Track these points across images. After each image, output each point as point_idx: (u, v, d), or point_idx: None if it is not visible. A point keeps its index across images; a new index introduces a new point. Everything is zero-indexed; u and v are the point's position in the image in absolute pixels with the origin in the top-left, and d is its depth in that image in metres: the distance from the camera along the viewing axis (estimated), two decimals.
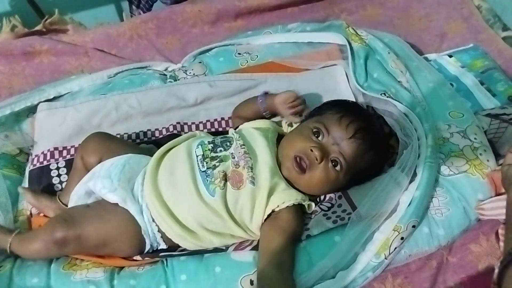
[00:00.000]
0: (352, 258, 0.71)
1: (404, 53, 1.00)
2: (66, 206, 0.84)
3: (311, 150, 0.75)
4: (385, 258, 0.70)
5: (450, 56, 1.07)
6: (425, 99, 0.87)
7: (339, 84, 0.99)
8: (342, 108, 0.81)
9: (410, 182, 0.76)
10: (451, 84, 0.97)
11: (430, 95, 0.88)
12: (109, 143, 0.84)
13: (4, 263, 0.77)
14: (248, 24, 1.26)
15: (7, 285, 0.73)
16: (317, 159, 0.74)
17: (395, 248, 0.70)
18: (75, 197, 0.81)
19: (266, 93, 0.91)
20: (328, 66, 1.02)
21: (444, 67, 1.05)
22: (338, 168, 0.75)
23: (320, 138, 0.77)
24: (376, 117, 0.90)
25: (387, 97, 0.88)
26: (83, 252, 0.76)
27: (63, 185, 0.89)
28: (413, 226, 0.72)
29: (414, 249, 0.73)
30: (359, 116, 0.79)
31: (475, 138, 0.80)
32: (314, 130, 0.78)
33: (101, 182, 0.77)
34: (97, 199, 0.80)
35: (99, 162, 0.82)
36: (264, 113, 0.91)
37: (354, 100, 0.95)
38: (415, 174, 0.76)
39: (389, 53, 0.97)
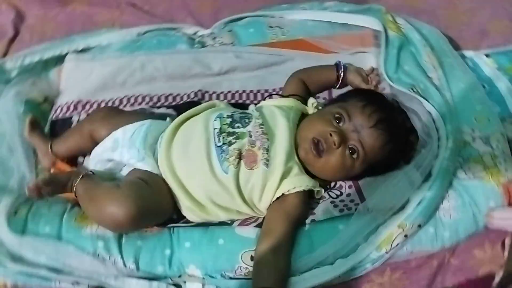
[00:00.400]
0: (353, 248, 0.72)
1: (440, 48, 0.96)
2: (55, 155, 0.86)
3: (330, 135, 0.74)
4: (386, 252, 0.71)
5: (488, 56, 1.03)
6: (453, 99, 0.85)
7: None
8: (367, 97, 0.80)
9: (424, 181, 0.75)
10: (483, 86, 0.94)
11: (459, 96, 0.85)
12: (119, 117, 0.85)
13: (20, 207, 0.80)
14: None
15: (21, 230, 0.77)
16: (335, 144, 0.74)
17: (397, 244, 0.71)
18: (97, 158, 0.83)
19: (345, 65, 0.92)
20: (359, 53, 0.99)
21: (479, 66, 1.01)
22: (355, 156, 0.75)
23: (341, 124, 0.76)
24: (400, 111, 0.88)
25: (415, 92, 0.86)
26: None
27: None
28: (419, 226, 0.72)
29: (417, 247, 0.73)
30: (383, 107, 0.78)
31: (497, 146, 0.78)
32: (336, 115, 0.77)
33: (128, 152, 0.78)
34: (117, 164, 0.81)
35: (109, 135, 0.82)
36: (338, 82, 0.90)
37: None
38: (429, 174, 0.76)
39: (425, 46, 0.94)
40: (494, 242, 0.75)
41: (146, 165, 0.77)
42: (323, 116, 0.79)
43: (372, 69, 0.90)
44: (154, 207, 0.73)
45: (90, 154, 0.85)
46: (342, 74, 0.89)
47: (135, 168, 0.79)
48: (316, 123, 0.78)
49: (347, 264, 0.70)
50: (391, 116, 0.78)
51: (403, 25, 1.00)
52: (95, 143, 0.84)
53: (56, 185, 0.76)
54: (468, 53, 1.05)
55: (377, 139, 0.75)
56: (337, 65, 0.91)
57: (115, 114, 0.86)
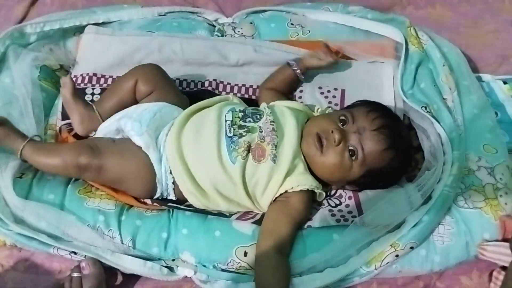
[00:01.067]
0: (344, 259, 0.73)
1: (459, 69, 0.95)
2: (100, 116, 0.86)
3: (332, 132, 0.77)
4: (375, 269, 0.72)
5: (505, 82, 1.02)
6: (464, 124, 0.85)
7: (383, 83, 0.96)
8: (374, 105, 0.83)
9: (423, 203, 0.76)
10: (496, 113, 0.94)
11: (470, 122, 0.85)
12: (164, 80, 0.88)
13: (26, 171, 0.82)
14: None
15: (26, 194, 0.79)
16: (335, 141, 0.76)
17: (387, 262, 0.72)
18: (104, 130, 0.84)
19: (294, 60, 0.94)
20: (377, 62, 0.99)
21: (494, 92, 1.00)
22: (354, 157, 0.76)
23: (345, 126, 0.79)
24: (409, 128, 0.89)
25: (427, 111, 0.86)
26: (98, 182, 0.81)
27: None
28: (411, 247, 0.73)
29: (406, 267, 0.74)
30: (387, 115, 0.81)
31: (500, 178, 0.78)
32: (341, 117, 0.79)
33: (131, 123, 0.80)
34: (124, 137, 0.83)
35: (150, 94, 0.85)
36: (298, 73, 0.92)
37: (393, 104, 0.93)
38: (429, 198, 0.76)
39: (443, 65, 0.93)
40: (482, 271, 0.76)
41: (142, 142, 0.78)
42: (329, 116, 0.83)
43: (324, 45, 0.92)
44: (111, 164, 0.76)
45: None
46: (296, 67, 0.92)
47: (128, 138, 0.80)
48: (321, 120, 0.82)
49: (336, 274, 0.72)
50: (395, 125, 0.80)
51: (425, 41, 0.99)
52: (135, 100, 0.87)
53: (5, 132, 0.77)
54: (486, 77, 1.04)
55: (378, 143, 0.76)
56: (289, 63, 0.93)
57: (161, 75, 0.88)
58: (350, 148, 0.76)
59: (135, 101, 0.88)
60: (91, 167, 0.76)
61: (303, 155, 0.79)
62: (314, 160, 0.78)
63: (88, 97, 0.94)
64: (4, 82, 0.92)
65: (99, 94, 0.94)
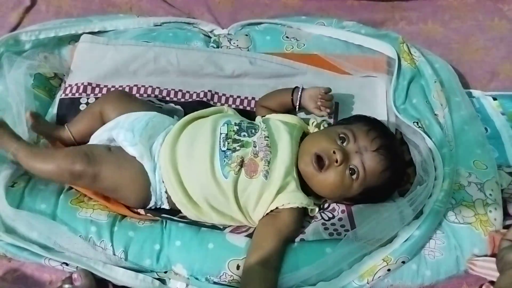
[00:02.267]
0: (336, 273, 0.74)
1: (450, 85, 0.97)
2: (73, 137, 0.87)
3: (334, 152, 0.76)
4: (367, 283, 0.73)
5: (495, 98, 1.04)
6: (455, 140, 0.86)
7: (376, 98, 0.97)
8: (371, 123, 0.82)
9: (414, 218, 0.77)
10: (486, 129, 0.96)
11: (461, 138, 0.87)
12: (131, 103, 0.87)
13: (18, 180, 0.82)
14: (304, 5, 1.25)
15: (18, 203, 0.78)
16: (337, 161, 0.75)
17: (380, 276, 0.73)
18: (96, 140, 0.84)
19: (303, 88, 0.91)
20: (370, 76, 1.00)
21: (484, 108, 1.02)
22: (354, 176, 0.76)
23: (345, 144, 0.78)
24: (401, 142, 0.90)
25: (419, 127, 0.88)
26: (92, 189, 0.80)
27: None
28: (403, 262, 0.74)
29: (397, 281, 0.75)
30: (385, 134, 0.81)
31: (490, 194, 0.80)
32: (341, 135, 0.79)
33: (124, 134, 0.80)
34: (115, 145, 0.83)
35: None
36: (296, 105, 0.90)
37: (386, 119, 0.94)
38: (421, 212, 0.77)
39: (435, 82, 0.95)
40: (471, 285, 0.77)
41: (136, 152, 0.79)
42: (328, 134, 0.81)
43: (327, 91, 0.88)
44: (107, 173, 0.76)
45: None
46: (297, 98, 0.89)
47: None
48: (320, 139, 0.80)
49: None
50: (392, 144, 0.80)
51: (417, 57, 1.00)
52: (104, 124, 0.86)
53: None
54: (476, 93, 1.06)
55: (378, 164, 0.76)
56: (294, 90, 0.90)
57: (127, 99, 0.88)
58: (351, 167, 0.76)
59: None
60: (86, 175, 0.76)
61: (298, 172, 0.79)
62: (312, 179, 0.78)
63: (82, 107, 0.93)
64: None
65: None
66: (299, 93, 0.90)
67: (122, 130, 0.80)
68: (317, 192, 0.80)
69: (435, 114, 0.91)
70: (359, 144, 0.77)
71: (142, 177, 0.78)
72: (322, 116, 0.89)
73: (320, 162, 0.76)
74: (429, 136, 0.86)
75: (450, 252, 0.76)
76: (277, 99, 0.92)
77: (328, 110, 0.88)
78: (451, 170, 0.81)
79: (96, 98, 0.94)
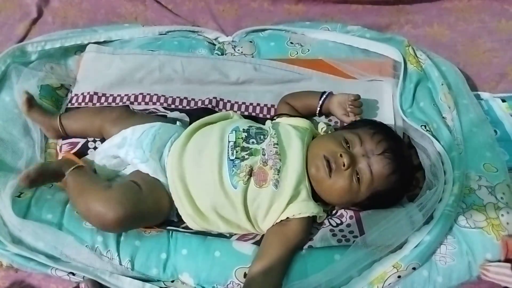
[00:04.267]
0: (346, 280, 0.72)
1: (457, 87, 0.96)
2: (62, 127, 0.88)
3: (341, 156, 0.75)
4: None
5: (504, 100, 1.02)
6: (464, 143, 0.85)
7: (382, 102, 0.96)
8: (377, 126, 0.82)
9: (425, 223, 0.75)
10: (495, 131, 0.94)
11: (470, 141, 0.85)
12: (130, 121, 0.85)
13: (25, 190, 0.82)
14: (308, 11, 1.24)
15: (24, 213, 0.78)
16: (344, 165, 0.74)
17: (390, 283, 0.71)
18: (103, 154, 0.84)
19: (330, 93, 0.91)
20: (376, 80, 0.99)
21: (493, 110, 1.01)
22: (361, 181, 0.75)
23: (351, 148, 0.77)
24: (409, 146, 0.89)
25: (427, 130, 0.87)
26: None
27: None
28: (413, 268, 0.72)
29: None
30: (391, 137, 0.80)
31: (501, 198, 0.78)
32: (348, 139, 0.78)
33: (134, 152, 0.79)
34: (122, 161, 0.82)
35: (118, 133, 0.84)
36: (318, 110, 0.90)
37: (393, 123, 0.93)
38: (431, 217, 0.76)
39: (442, 84, 0.93)
40: None
41: (148, 168, 0.78)
42: (335, 137, 0.80)
43: (357, 97, 0.87)
44: (143, 211, 0.74)
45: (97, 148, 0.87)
46: (321, 103, 0.89)
47: (136, 170, 0.80)
48: (327, 142, 0.79)
49: None
50: (398, 147, 0.79)
51: (423, 60, 0.99)
52: (103, 137, 0.87)
53: (46, 174, 0.78)
54: (484, 95, 1.04)
55: (384, 167, 0.75)
56: (322, 94, 0.90)
57: (128, 116, 0.87)
58: (358, 171, 0.75)
59: (102, 138, 0.88)
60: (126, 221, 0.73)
61: (308, 179, 0.77)
62: (322, 185, 0.77)
63: None
64: (4, 101, 0.92)
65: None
66: (324, 98, 0.89)
67: (131, 148, 0.80)
68: (325, 198, 0.79)
69: (443, 117, 0.90)
70: (365, 147, 0.76)
71: (165, 194, 0.78)
72: (346, 123, 0.89)
73: (329, 166, 0.75)
74: (437, 140, 0.85)
75: (462, 257, 0.74)
76: (304, 100, 0.92)
77: (358, 117, 0.87)
78: (460, 173, 0.80)
79: (104, 107, 0.94)
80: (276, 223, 0.76)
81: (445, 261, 0.74)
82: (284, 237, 0.74)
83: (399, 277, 0.72)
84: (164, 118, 0.91)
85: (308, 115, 0.92)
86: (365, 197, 0.77)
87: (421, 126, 0.88)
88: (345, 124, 0.90)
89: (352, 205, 0.80)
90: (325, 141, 0.81)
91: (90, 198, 0.73)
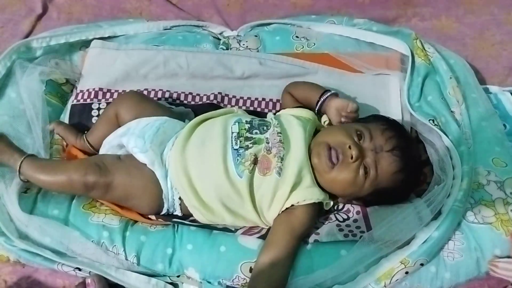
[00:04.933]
0: (352, 276, 0.72)
1: (466, 81, 0.95)
2: (90, 145, 0.87)
3: (349, 147, 0.74)
4: (384, 286, 0.71)
5: None
6: (473, 137, 0.84)
7: (390, 96, 0.95)
8: (387, 123, 0.81)
9: (433, 219, 0.75)
10: (504, 125, 0.93)
11: (479, 135, 0.84)
12: (145, 105, 0.86)
13: (31, 186, 0.82)
14: (314, 5, 1.23)
15: (30, 209, 0.79)
16: (352, 157, 0.74)
17: (397, 279, 0.71)
18: (107, 146, 0.84)
19: (334, 93, 0.87)
20: (383, 74, 0.98)
21: (502, 103, 1.00)
22: (367, 175, 0.75)
23: (361, 141, 0.76)
24: (417, 141, 0.88)
25: (435, 125, 0.86)
26: (104, 199, 0.80)
27: None
28: (421, 264, 0.72)
29: (415, 284, 0.73)
30: (401, 134, 0.79)
31: (511, 193, 0.77)
32: (358, 132, 0.77)
33: (134, 141, 0.79)
34: (127, 152, 0.82)
35: (133, 119, 0.83)
36: (316, 107, 0.88)
37: (400, 117, 0.92)
38: (439, 213, 0.75)
39: (450, 78, 0.92)
40: None
41: (146, 159, 0.78)
42: (346, 129, 0.78)
43: (356, 110, 0.83)
44: (118, 180, 0.76)
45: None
46: (320, 103, 0.86)
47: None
48: (337, 133, 0.78)
49: None
50: (408, 146, 0.78)
51: (431, 53, 0.98)
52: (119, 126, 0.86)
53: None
54: (493, 88, 1.03)
55: (391, 165, 0.75)
56: (323, 93, 0.86)
57: (141, 101, 0.87)
58: (365, 165, 0.75)
59: None
60: (98, 185, 0.75)
61: (311, 166, 0.77)
62: (323, 173, 0.76)
63: (94, 112, 0.94)
64: (10, 97, 0.92)
65: (105, 108, 0.94)
66: (324, 99, 0.85)
67: (132, 137, 0.80)
68: (327, 187, 0.78)
69: (452, 111, 0.89)
70: (375, 142, 0.76)
71: (154, 185, 0.78)
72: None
73: (332, 157, 0.75)
74: (445, 134, 0.84)
75: (470, 253, 0.73)
76: (305, 93, 0.89)
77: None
78: (469, 168, 0.79)
79: (108, 103, 0.94)
80: (282, 212, 0.76)
81: (453, 257, 0.73)
82: (290, 225, 0.73)
83: (406, 273, 0.71)
84: (172, 114, 0.90)
85: (308, 108, 0.91)
86: (369, 192, 0.76)
87: (429, 120, 0.87)
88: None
89: (354, 198, 0.79)
90: (335, 131, 0.80)
91: (69, 168, 0.77)
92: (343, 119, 0.84)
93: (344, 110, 0.83)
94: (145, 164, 0.78)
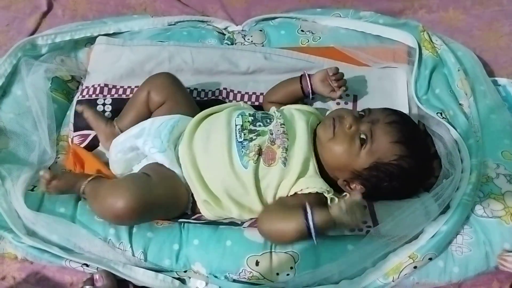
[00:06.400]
0: (360, 271, 0.72)
1: (474, 73, 0.93)
2: (121, 131, 0.86)
3: (345, 117, 0.77)
4: (392, 281, 0.71)
5: None
6: (481, 130, 0.83)
7: (396, 89, 0.94)
8: (394, 110, 0.82)
9: (441, 213, 0.74)
10: None
11: (487, 128, 0.83)
12: (176, 89, 0.87)
13: (38, 184, 0.81)
14: None
15: (37, 206, 0.79)
16: (346, 126, 0.76)
17: (405, 274, 0.70)
18: (119, 147, 0.83)
19: (309, 74, 0.90)
20: (389, 67, 0.97)
21: (511, 96, 0.98)
22: (363, 146, 0.75)
23: (362, 119, 0.78)
24: (425, 134, 0.87)
25: (443, 118, 0.85)
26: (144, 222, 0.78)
27: None
28: (430, 259, 0.71)
29: (423, 279, 0.72)
30: (403, 117, 0.81)
31: None
32: (360, 112, 0.80)
33: (152, 141, 0.79)
34: (138, 155, 0.82)
35: (162, 104, 0.85)
36: (307, 92, 0.89)
37: (407, 110, 0.91)
38: (447, 207, 0.74)
39: (458, 70, 0.91)
40: (502, 282, 0.73)
41: (165, 158, 0.78)
42: (348, 109, 0.84)
43: (336, 71, 0.86)
44: (155, 199, 0.72)
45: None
46: (307, 85, 0.88)
47: (149, 163, 0.80)
48: (340, 110, 0.84)
49: (352, 286, 0.70)
50: (410, 125, 0.79)
51: (439, 45, 0.97)
52: (150, 111, 0.87)
53: (65, 183, 0.78)
54: (502, 81, 1.01)
55: (387, 134, 0.75)
56: (301, 77, 0.89)
57: (173, 83, 0.88)
58: (361, 136, 0.75)
59: (151, 112, 0.88)
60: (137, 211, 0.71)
61: (316, 158, 0.78)
62: (325, 145, 0.77)
63: (99, 108, 0.94)
64: (16, 94, 0.93)
65: (110, 104, 0.94)
66: (308, 80, 0.88)
67: (149, 138, 0.79)
68: (327, 164, 0.78)
69: (460, 104, 0.88)
70: (372, 116, 0.78)
71: (181, 186, 0.78)
72: (340, 98, 0.90)
73: (333, 125, 0.77)
74: (454, 127, 0.83)
75: (479, 247, 0.72)
76: (284, 91, 0.91)
77: (344, 88, 0.87)
78: (478, 161, 0.78)
79: (113, 99, 0.94)
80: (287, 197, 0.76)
81: (461, 251, 0.72)
82: (297, 200, 0.74)
83: (415, 267, 0.71)
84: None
85: (298, 101, 0.91)
86: (365, 165, 0.75)
87: (437, 113, 0.86)
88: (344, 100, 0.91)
89: (352, 174, 0.77)
90: (339, 109, 0.84)
91: (103, 194, 0.73)
92: (334, 84, 0.86)
93: (327, 77, 0.86)
94: (168, 169, 0.78)
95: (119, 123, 0.87)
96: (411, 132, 0.78)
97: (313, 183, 0.76)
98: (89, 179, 0.78)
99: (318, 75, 0.88)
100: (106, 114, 0.93)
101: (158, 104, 0.86)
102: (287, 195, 0.76)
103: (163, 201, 0.75)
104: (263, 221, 0.74)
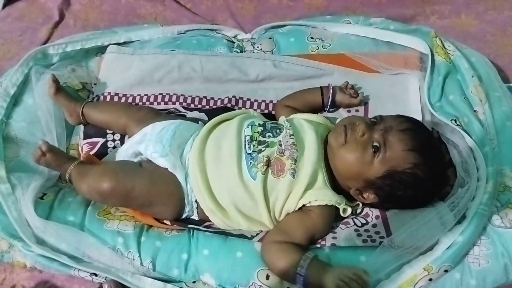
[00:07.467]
0: (373, 283, 0.69)
1: (488, 79, 0.91)
2: (83, 117, 0.91)
3: (358, 124, 0.75)
4: None
5: None
6: (497, 137, 0.80)
7: (409, 96, 0.93)
8: (407, 117, 0.80)
9: (457, 223, 0.72)
10: None
11: (503, 135, 0.81)
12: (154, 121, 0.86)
13: (48, 191, 0.82)
14: (329, 5, 1.22)
15: (47, 214, 0.79)
16: (359, 133, 0.74)
17: (420, 286, 0.68)
18: (123, 154, 0.84)
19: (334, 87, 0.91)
20: (401, 74, 0.96)
21: None
22: (376, 154, 0.73)
23: (375, 126, 0.77)
24: (440, 142, 0.85)
25: (457, 125, 0.83)
26: (126, 207, 0.80)
27: (115, 135, 0.93)
28: (445, 271, 0.69)
29: None
30: (417, 124, 0.79)
31: None
32: (372, 119, 0.78)
33: (153, 146, 0.79)
34: (142, 160, 0.82)
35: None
36: (327, 104, 0.90)
37: (420, 117, 0.89)
38: (463, 217, 0.72)
39: (472, 76, 0.89)
40: None
41: (167, 162, 0.78)
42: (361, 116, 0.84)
43: (350, 86, 0.90)
44: (137, 187, 0.75)
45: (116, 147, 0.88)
46: (328, 98, 0.90)
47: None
48: (352, 117, 0.83)
49: None
50: (424, 133, 0.77)
51: (452, 51, 0.95)
52: (122, 134, 0.89)
53: (56, 159, 0.80)
54: None
55: (401, 142, 0.73)
56: (322, 89, 0.90)
57: (153, 117, 0.88)
58: (374, 144, 0.74)
59: (124, 132, 0.91)
60: (116, 193, 0.75)
61: (327, 169, 0.77)
62: (336, 153, 0.76)
63: None
64: (27, 103, 0.93)
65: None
66: (330, 92, 0.89)
67: (151, 143, 0.80)
68: (339, 173, 0.77)
69: (474, 111, 0.86)
70: (385, 124, 0.76)
71: (177, 189, 0.78)
72: (356, 104, 0.91)
73: (345, 133, 0.76)
74: (469, 134, 0.81)
75: (497, 259, 0.70)
76: (303, 99, 0.91)
77: (358, 95, 0.90)
78: (494, 170, 0.76)
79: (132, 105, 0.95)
80: (295, 211, 0.75)
81: (478, 263, 0.70)
82: (303, 224, 0.73)
83: (430, 280, 0.68)
84: (184, 118, 0.90)
85: (313, 111, 0.91)
86: (379, 174, 0.73)
87: (451, 120, 0.84)
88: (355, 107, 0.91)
89: (365, 183, 0.75)
90: (351, 117, 0.84)
91: (90, 172, 0.77)
92: (352, 92, 0.89)
93: (344, 88, 0.90)
94: (166, 169, 0.78)
95: (86, 108, 0.91)
96: (425, 139, 0.76)
97: (322, 195, 0.74)
98: (77, 162, 0.81)
99: (339, 88, 0.90)
100: None
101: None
102: (294, 209, 0.74)
103: (145, 191, 0.76)
104: (263, 251, 0.73)
